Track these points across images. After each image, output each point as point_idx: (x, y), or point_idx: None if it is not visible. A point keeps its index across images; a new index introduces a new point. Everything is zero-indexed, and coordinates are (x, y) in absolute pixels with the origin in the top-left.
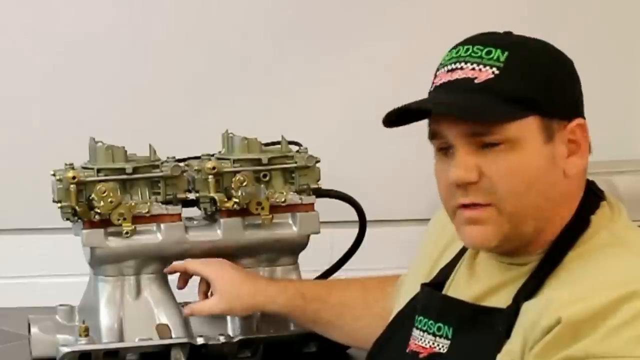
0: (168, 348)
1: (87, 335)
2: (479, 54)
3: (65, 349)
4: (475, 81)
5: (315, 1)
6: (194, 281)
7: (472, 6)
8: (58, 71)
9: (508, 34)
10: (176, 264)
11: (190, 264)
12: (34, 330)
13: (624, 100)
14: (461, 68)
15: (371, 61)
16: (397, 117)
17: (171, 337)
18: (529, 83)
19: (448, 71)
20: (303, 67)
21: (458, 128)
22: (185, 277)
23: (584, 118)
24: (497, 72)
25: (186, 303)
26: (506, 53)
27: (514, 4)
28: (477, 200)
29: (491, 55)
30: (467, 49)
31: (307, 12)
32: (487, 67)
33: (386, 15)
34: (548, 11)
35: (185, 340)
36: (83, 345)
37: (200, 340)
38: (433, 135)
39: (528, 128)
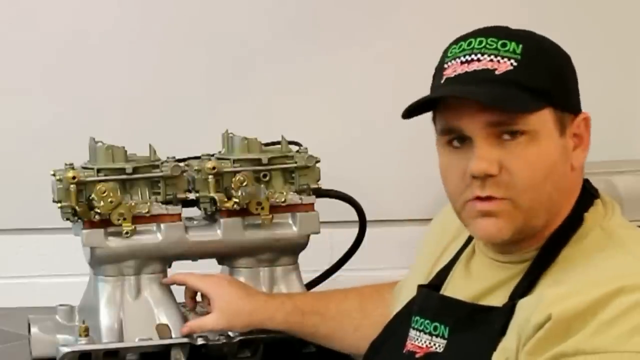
0: (168, 348)
1: (87, 335)
2: (495, 46)
3: (65, 349)
4: (496, 72)
5: (315, 1)
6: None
7: (473, 6)
8: (58, 71)
9: (507, 27)
10: (176, 276)
11: (190, 279)
12: (34, 330)
13: (624, 100)
14: (478, 60)
15: (372, 61)
16: (411, 108)
17: (171, 337)
18: (545, 75)
19: (462, 63)
20: (303, 67)
21: (480, 118)
22: (191, 293)
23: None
24: (515, 63)
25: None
26: (521, 45)
27: (514, 4)
28: (494, 194)
29: (507, 47)
30: (481, 41)
31: (307, 12)
32: (505, 59)
33: (387, 16)
34: (548, 11)
35: (185, 340)
36: (83, 345)
37: (200, 340)
38: (448, 129)
39: (545, 120)
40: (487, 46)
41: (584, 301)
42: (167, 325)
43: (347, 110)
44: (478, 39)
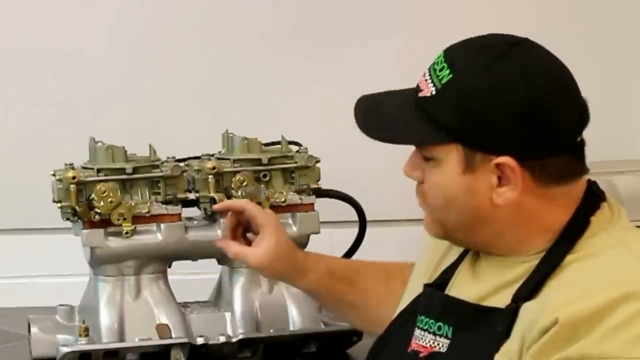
0: (168, 348)
1: (87, 335)
2: (436, 67)
3: (65, 349)
4: (419, 94)
5: (315, 2)
6: (189, 284)
7: (475, 6)
8: (58, 71)
9: (485, 45)
10: (235, 202)
11: (249, 205)
12: (34, 330)
13: (624, 100)
14: (424, 74)
15: (371, 60)
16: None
17: (171, 337)
18: (457, 114)
19: (424, 73)
20: (303, 67)
21: None
22: (233, 223)
23: (524, 156)
24: (434, 92)
25: (186, 303)
26: (450, 76)
27: (517, 5)
28: (419, 198)
29: (440, 73)
30: (440, 57)
31: (306, 12)
32: (431, 84)
33: (387, 16)
34: (550, 12)
35: (185, 340)
36: (83, 345)
37: (200, 340)
38: None
39: (448, 153)
40: (435, 65)
41: (591, 306)
42: (167, 325)
43: (347, 110)
44: (442, 53)
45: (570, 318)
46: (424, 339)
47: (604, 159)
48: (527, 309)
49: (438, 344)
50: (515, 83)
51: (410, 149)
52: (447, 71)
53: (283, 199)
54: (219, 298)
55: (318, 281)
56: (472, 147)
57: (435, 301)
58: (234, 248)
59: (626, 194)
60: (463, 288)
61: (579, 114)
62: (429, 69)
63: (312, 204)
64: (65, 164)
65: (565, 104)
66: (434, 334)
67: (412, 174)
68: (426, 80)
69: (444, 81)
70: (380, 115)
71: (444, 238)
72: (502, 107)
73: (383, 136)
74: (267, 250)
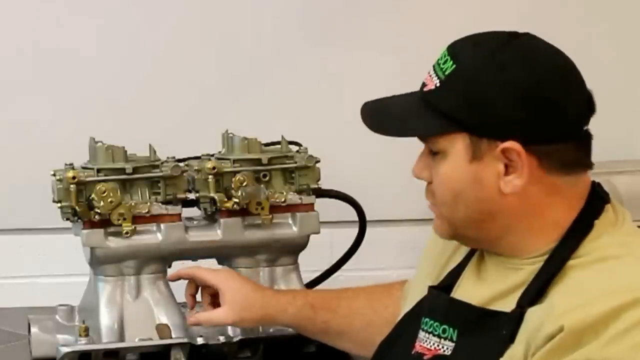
0: (168, 348)
1: (87, 335)
2: (440, 61)
3: (65, 349)
4: (424, 89)
5: (315, 2)
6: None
7: (471, 8)
8: (58, 71)
9: (482, 41)
10: (182, 270)
11: (198, 271)
12: (34, 330)
13: (624, 100)
14: (429, 72)
15: (371, 61)
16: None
17: (171, 337)
18: (461, 102)
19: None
20: (303, 67)
21: None
22: (192, 290)
23: (529, 141)
24: (438, 84)
25: (186, 303)
26: (454, 67)
27: (516, 4)
28: (429, 199)
29: (443, 66)
30: (443, 52)
31: (307, 12)
32: (435, 77)
33: (387, 16)
34: (549, 11)
35: (185, 340)
36: (83, 345)
37: (200, 340)
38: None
39: (454, 143)
40: (439, 60)
41: (596, 313)
42: (167, 325)
43: (347, 111)
44: (445, 49)
45: (576, 325)
46: (428, 342)
47: (604, 159)
48: (532, 314)
49: (443, 347)
50: (517, 68)
51: (415, 151)
52: (450, 62)
53: (283, 199)
54: None
55: (299, 315)
56: (477, 134)
57: (440, 304)
58: (201, 317)
59: (626, 194)
60: (469, 291)
61: (584, 102)
62: (434, 66)
63: (312, 204)
64: (65, 164)
65: (569, 90)
66: (439, 336)
67: (421, 175)
68: (430, 75)
69: (447, 72)
70: (388, 114)
71: (453, 238)
72: (505, 92)
73: (392, 131)
74: (230, 305)
